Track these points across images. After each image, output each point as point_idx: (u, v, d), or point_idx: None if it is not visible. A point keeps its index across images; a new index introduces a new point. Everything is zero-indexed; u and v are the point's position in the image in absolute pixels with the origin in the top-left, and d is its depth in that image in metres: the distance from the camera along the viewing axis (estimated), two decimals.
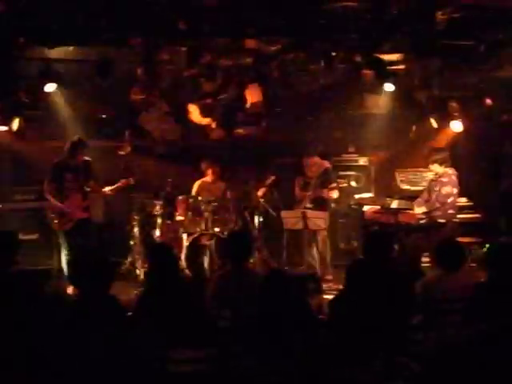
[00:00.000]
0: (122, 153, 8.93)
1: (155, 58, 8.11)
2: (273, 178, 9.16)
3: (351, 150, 10.34)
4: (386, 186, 9.92)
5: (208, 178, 9.49)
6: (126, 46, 8.07)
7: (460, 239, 7.16)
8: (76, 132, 8.38)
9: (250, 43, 8.48)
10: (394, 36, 7.72)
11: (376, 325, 4.33)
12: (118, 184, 8.36)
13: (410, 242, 7.88)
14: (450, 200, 7.78)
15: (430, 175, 8.21)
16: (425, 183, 8.40)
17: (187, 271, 8.33)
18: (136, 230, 8.97)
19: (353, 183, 10.03)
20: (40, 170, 8.19)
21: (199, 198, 8.98)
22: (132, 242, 9.03)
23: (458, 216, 8.06)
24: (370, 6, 7.17)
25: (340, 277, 7.69)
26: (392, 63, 8.64)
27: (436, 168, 7.90)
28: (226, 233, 8.42)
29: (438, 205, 7.77)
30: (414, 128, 10.09)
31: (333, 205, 9.21)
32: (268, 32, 7.92)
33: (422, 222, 7.89)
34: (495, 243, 5.38)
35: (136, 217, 8.98)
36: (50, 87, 8.36)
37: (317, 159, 9.04)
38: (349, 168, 10.14)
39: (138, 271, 8.72)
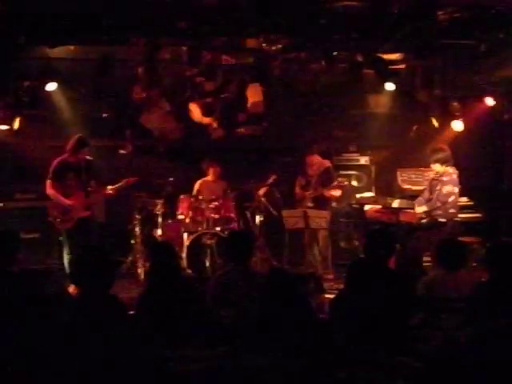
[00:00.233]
0: (123, 152, 8.94)
1: (156, 58, 8.11)
2: (274, 177, 9.16)
3: (352, 149, 10.34)
4: (387, 185, 9.92)
5: (209, 178, 9.50)
6: (127, 46, 8.08)
7: (461, 238, 7.15)
8: (77, 131, 8.37)
9: (251, 43, 8.48)
10: (395, 35, 7.71)
11: (377, 324, 4.33)
12: (120, 184, 8.36)
13: (411, 242, 7.88)
14: (451, 199, 7.77)
15: (431, 174, 8.20)
16: (426, 182, 8.39)
17: (188, 270, 8.33)
18: (137, 229, 8.97)
19: (354, 182, 10.03)
20: (41, 169, 8.19)
21: (200, 197, 8.98)
22: (133, 241, 9.04)
23: (459, 215, 8.05)
24: (371, 6, 7.16)
25: (341, 276, 7.73)
26: (393, 63, 8.64)
27: (437, 167, 7.89)
28: (227, 232, 8.42)
29: (438, 204, 7.76)
30: (415, 127, 10.09)
31: (334, 204, 9.22)
32: (269, 31, 7.91)
33: (423, 221, 7.89)
34: (496, 242, 5.38)
35: (137, 216, 8.98)
36: (51, 86, 8.36)
37: (317, 158, 9.05)
38: (350, 167, 10.14)
39: (139, 270, 8.72)
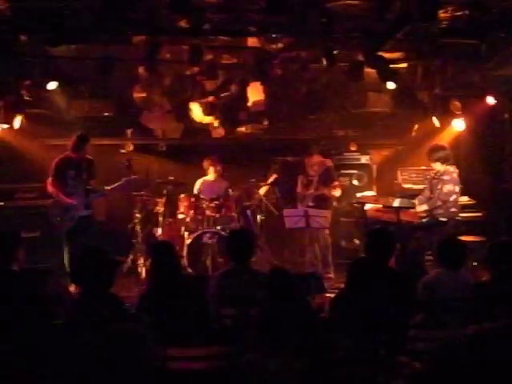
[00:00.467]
0: (123, 151, 8.93)
1: (157, 57, 8.11)
2: (275, 176, 9.17)
3: (353, 148, 10.33)
4: (388, 184, 9.92)
5: (210, 177, 9.50)
6: (128, 45, 8.09)
7: (462, 238, 7.15)
8: (77, 130, 8.37)
9: (252, 42, 8.49)
10: (395, 35, 7.71)
11: (377, 323, 4.33)
12: (121, 182, 8.35)
13: (411, 241, 7.88)
14: (452, 198, 7.78)
15: (431, 173, 8.20)
16: (427, 181, 8.39)
17: (189, 269, 8.33)
18: (138, 228, 8.97)
19: (355, 182, 10.02)
20: (42, 168, 8.20)
21: (201, 196, 8.99)
22: (134, 241, 9.04)
23: (460, 214, 8.05)
24: (372, 5, 7.16)
25: (341, 275, 7.73)
26: (394, 62, 8.64)
27: (438, 166, 7.89)
28: (227, 231, 8.42)
29: (439, 203, 7.76)
30: (416, 126, 10.09)
31: (334, 203, 9.22)
32: (270, 30, 7.92)
33: (423, 220, 7.89)
34: (497, 242, 5.38)
35: (138, 215, 8.98)
36: (52, 85, 8.36)
37: (318, 158, 9.05)
38: (351, 166, 10.13)
39: (139, 269, 8.72)
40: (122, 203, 9.25)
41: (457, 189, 7.86)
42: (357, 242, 9.73)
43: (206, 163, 9.55)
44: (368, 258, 5.33)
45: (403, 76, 8.91)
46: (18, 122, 8.77)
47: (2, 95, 8.54)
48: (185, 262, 8.34)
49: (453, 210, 7.82)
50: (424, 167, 9.21)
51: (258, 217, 9.19)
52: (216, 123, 10.21)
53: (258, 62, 8.64)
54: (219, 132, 10.26)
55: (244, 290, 5.05)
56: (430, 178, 8.18)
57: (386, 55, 8.28)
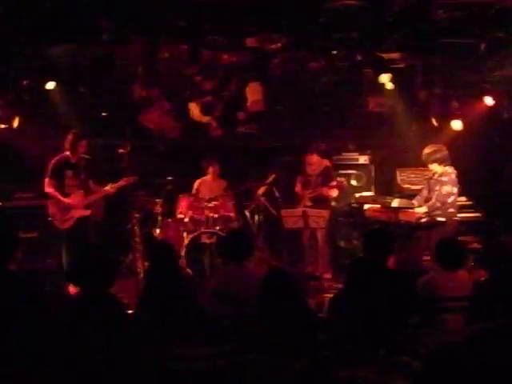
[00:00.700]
0: (122, 151, 8.92)
1: (156, 57, 8.11)
2: (273, 176, 9.16)
3: (352, 148, 10.33)
4: (387, 184, 9.91)
5: (208, 177, 9.50)
6: (127, 44, 8.08)
7: (460, 238, 7.15)
8: (78, 130, 8.36)
9: (251, 41, 8.48)
10: (394, 34, 7.71)
11: (376, 323, 4.33)
12: (120, 182, 8.35)
13: (410, 241, 7.88)
14: (450, 199, 7.77)
15: (429, 173, 8.20)
16: (425, 181, 8.39)
17: (188, 270, 8.33)
18: (136, 228, 8.96)
19: (353, 182, 10.02)
20: (40, 168, 8.18)
21: (200, 196, 8.99)
22: (132, 241, 9.03)
23: (459, 215, 8.05)
24: (371, 5, 7.16)
25: (340, 275, 7.74)
26: (393, 62, 8.63)
27: (435, 167, 7.89)
28: (226, 231, 8.41)
29: (438, 204, 7.76)
30: (414, 127, 10.08)
31: (333, 203, 9.22)
32: (269, 30, 7.91)
33: (422, 220, 7.89)
34: (495, 242, 5.38)
35: (136, 215, 8.97)
36: (51, 85, 8.35)
37: (317, 157, 9.05)
38: (349, 166, 10.12)
39: (138, 270, 8.71)
40: (120, 203, 9.23)
41: (455, 190, 7.85)
42: (355, 242, 9.72)
43: (204, 163, 9.54)
44: (367, 258, 5.33)
45: (402, 76, 8.90)
46: (16, 121, 8.75)
47: (0, 95, 8.53)
48: (183, 262, 8.34)
49: (451, 210, 7.81)
50: (423, 167, 9.20)
51: (257, 217, 9.18)
52: (215, 123, 10.21)
53: (257, 62, 8.64)
54: (218, 132, 10.26)
55: (242, 290, 5.04)
56: (428, 177, 8.18)
57: (385, 55, 8.28)
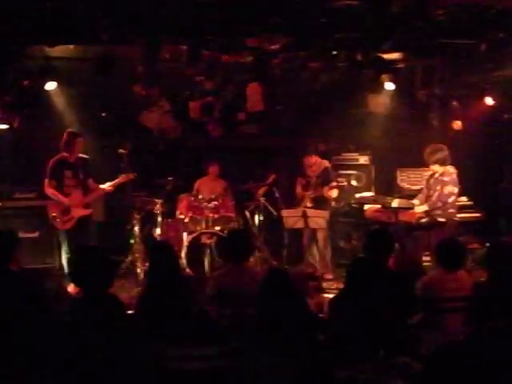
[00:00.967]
0: (122, 151, 8.92)
1: (156, 57, 8.10)
2: (273, 176, 9.16)
3: (352, 148, 10.33)
4: (387, 184, 9.91)
5: (208, 177, 9.50)
6: (127, 44, 8.07)
7: (460, 238, 7.16)
8: (76, 130, 8.36)
9: (251, 42, 8.47)
10: (394, 35, 7.70)
11: (376, 324, 4.33)
12: (118, 179, 8.36)
13: (410, 241, 7.88)
14: (450, 200, 7.78)
15: (429, 173, 8.20)
16: (425, 181, 8.39)
17: (188, 270, 8.33)
18: (136, 228, 8.96)
19: (353, 182, 10.02)
20: (40, 169, 8.18)
21: (200, 196, 8.99)
22: (132, 241, 9.02)
23: (458, 215, 8.06)
24: (371, 5, 7.15)
25: (340, 276, 7.75)
26: (393, 62, 8.63)
27: (436, 168, 7.89)
28: (226, 231, 8.41)
29: (439, 204, 7.77)
30: (414, 127, 10.08)
31: (333, 204, 9.22)
32: (269, 30, 7.91)
33: (422, 220, 7.89)
34: (495, 242, 5.38)
35: (136, 215, 8.97)
36: (51, 85, 8.35)
37: (316, 158, 9.05)
38: (349, 167, 10.12)
39: (138, 270, 8.71)
40: (120, 204, 9.23)
41: (456, 190, 7.86)
42: (355, 242, 9.73)
43: (204, 163, 9.55)
44: (367, 258, 5.33)
45: (402, 76, 8.90)
46: (16, 122, 8.75)
47: (0, 95, 8.52)
48: (183, 262, 8.34)
49: (451, 210, 7.82)
50: (423, 168, 9.21)
51: (257, 217, 9.18)
52: (215, 123, 10.20)
53: (257, 63, 8.63)
54: (218, 132, 10.25)
55: (242, 290, 5.04)
56: (428, 177, 8.18)
57: (385, 56, 8.27)
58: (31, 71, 8.30)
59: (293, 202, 9.16)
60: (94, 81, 8.66)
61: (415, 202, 8.07)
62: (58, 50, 8.01)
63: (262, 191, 9.20)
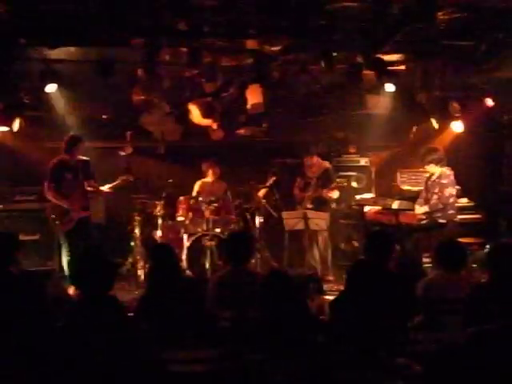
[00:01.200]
0: (123, 153, 8.92)
1: (156, 59, 8.10)
2: (273, 178, 9.17)
3: (352, 150, 10.33)
4: (387, 186, 9.92)
5: (209, 179, 9.50)
6: (127, 47, 8.07)
7: (461, 240, 7.15)
8: (77, 133, 8.37)
9: (251, 44, 8.47)
10: (394, 36, 7.71)
11: (377, 325, 4.32)
12: (117, 181, 8.36)
13: (410, 243, 7.89)
14: (451, 201, 7.79)
15: (426, 175, 8.21)
16: (423, 183, 8.40)
17: (188, 272, 8.33)
18: (137, 230, 8.97)
19: (354, 184, 10.01)
20: (41, 171, 8.19)
21: (200, 198, 8.99)
22: (133, 243, 9.03)
23: (459, 217, 8.06)
24: (371, 7, 7.15)
25: (341, 277, 7.74)
26: (393, 64, 8.63)
27: (432, 168, 7.91)
28: (226, 233, 8.41)
29: (441, 206, 7.79)
30: (414, 128, 10.08)
31: (333, 205, 9.22)
32: (269, 32, 7.91)
33: (422, 222, 7.90)
34: (496, 244, 5.37)
35: (137, 217, 8.98)
36: (51, 88, 8.35)
37: (316, 160, 9.06)
38: (350, 168, 10.13)
39: (138, 272, 8.72)
40: (120, 206, 9.24)
41: (454, 191, 7.89)
42: (356, 244, 9.73)
43: (204, 165, 9.56)
44: (367, 260, 5.33)
45: (402, 78, 8.90)
46: (16, 124, 8.75)
47: (0, 97, 8.52)
48: (184, 264, 8.34)
49: (451, 211, 7.84)
50: (423, 169, 9.20)
51: (257, 219, 9.18)
52: (215, 125, 10.19)
53: (257, 65, 8.63)
54: (218, 134, 10.25)
55: (243, 292, 5.04)
56: (425, 179, 8.19)
57: (385, 57, 8.27)
58: (32, 73, 8.30)
59: (293, 203, 9.17)
60: (94, 83, 8.66)
61: (416, 206, 8.07)
62: (59, 52, 8.01)
63: (262, 193, 9.20)
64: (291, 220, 8.55)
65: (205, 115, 10.08)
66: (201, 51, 8.00)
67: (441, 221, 7.76)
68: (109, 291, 4.20)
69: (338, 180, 9.01)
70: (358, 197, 9.40)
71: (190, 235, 8.70)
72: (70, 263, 7.59)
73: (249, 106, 9.72)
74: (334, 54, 8.21)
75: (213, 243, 8.58)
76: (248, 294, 4.87)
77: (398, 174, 9.76)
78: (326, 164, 9.12)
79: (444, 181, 7.82)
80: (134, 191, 8.92)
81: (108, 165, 9.15)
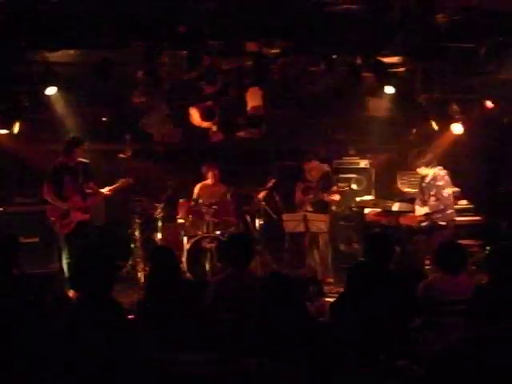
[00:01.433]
0: (122, 156, 8.92)
1: (156, 62, 8.11)
2: (273, 180, 9.17)
3: (352, 152, 10.34)
4: (387, 188, 9.92)
5: (209, 181, 9.50)
6: (127, 50, 8.08)
7: (461, 242, 7.15)
8: (77, 135, 8.37)
9: (251, 46, 8.48)
10: (394, 39, 7.71)
11: (377, 327, 4.32)
12: (117, 184, 8.36)
13: (410, 245, 7.88)
14: (450, 201, 7.80)
15: (420, 178, 8.23)
16: (418, 186, 8.41)
17: (188, 274, 8.33)
18: (137, 232, 8.98)
19: (354, 186, 10.02)
20: (41, 174, 8.19)
21: (200, 201, 8.99)
22: (133, 245, 9.04)
23: (459, 218, 8.06)
24: (371, 9, 7.16)
25: (341, 279, 7.73)
26: (393, 66, 8.64)
27: (423, 171, 7.94)
28: (226, 236, 8.41)
29: (442, 207, 7.79)
30: (414, 130, 10.08)
31: (334, 207, 9.22)
32: (268, 35, 7.91)
33: (422, 224, 7.90)
34: (496, 246, 5.38)
35: (137, 220, 8.99)
36: (51, 90, 8.35)
37: (316, 163, 9.05)
38: (350, 171, 10.14)
39: (138, 274, 8.72)
40: (121, 208, 9.24)
41: (451, 191, 7.91)
42: (356, 246, 9.73)
43: (204, 168, 9.56)
44: (367, 262, 5.33)
45: (402, 80, 8.90)
46: (16, 127, 8.75)
47: (0, 100, 8.53)
48: (184, 266, 8.34)
49: (450, 211, 7.85)
50: None
51: (257, 221, 9.19)
52: (215, 128, 10.19)
53: (257, 67, 8.63)
54: (218, 136, 10.24)
55: (243, 294, 5.03)
56: (419, 181, 8.21)
57: (385, 59, 8.28)
58: (31, 76, 8.30)
59: (293, 206, 9.16)
60: (94, 86, 8.66)
61: (416, 207, 8.07)
62: (59, 55, 8.02)
63: (262, 195, 9.20)
64: (291, 222, 8.55)
65: (205, 118, 10.09)
66: (200, 54, 8.01)
67: (441, 222, 7.76)
68: (108, 292, 4.20)
69: (339, 184, 9.01)
70: (358, 199, 9.41)
71: (190, 237, 8.70)
72: (69, 266, 7.58)
73: (248, 109, 9.73)
74: (334, 56, 8.21)
75: (213, 245, 8.58)
76: (248, 296, 4.87)
77: (398, 176, 9.77)
78: (325, 167, 9.12)
79: (440, 182, 7.83)
80: (133, 193, 8.91)
81: (108, 167, 9.14)
